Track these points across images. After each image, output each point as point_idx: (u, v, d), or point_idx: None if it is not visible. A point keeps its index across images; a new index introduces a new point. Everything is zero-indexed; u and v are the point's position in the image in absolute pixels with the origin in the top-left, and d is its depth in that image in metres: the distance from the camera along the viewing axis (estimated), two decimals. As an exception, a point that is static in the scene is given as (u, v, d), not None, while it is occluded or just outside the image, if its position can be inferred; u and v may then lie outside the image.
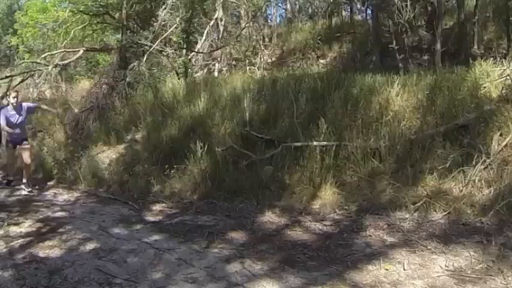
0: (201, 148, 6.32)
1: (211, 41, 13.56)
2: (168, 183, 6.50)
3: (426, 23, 12.99)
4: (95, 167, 7.60)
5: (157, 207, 6.02)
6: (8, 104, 7.57)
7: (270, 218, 5.10)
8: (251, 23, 15.71)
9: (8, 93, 8.66)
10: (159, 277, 3.73)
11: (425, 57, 11.75)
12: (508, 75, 5.54)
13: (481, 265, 3.54)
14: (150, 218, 5.57)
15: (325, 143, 5.69)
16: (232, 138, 6.61)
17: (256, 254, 4.16)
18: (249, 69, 14.08)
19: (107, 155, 8.19)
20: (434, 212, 4.51)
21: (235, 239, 4.58)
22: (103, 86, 10.50)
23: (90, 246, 4.51)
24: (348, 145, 5.51)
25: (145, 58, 9.90)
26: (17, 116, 7.39)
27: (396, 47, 11.28)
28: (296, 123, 6.30)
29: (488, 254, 3.70)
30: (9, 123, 7.29)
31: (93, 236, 4.85)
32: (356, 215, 4.83)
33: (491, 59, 6.59)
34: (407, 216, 4.56)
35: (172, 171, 6.47)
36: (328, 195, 5.24)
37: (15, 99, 7.35)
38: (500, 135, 4.87)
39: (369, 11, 16.46)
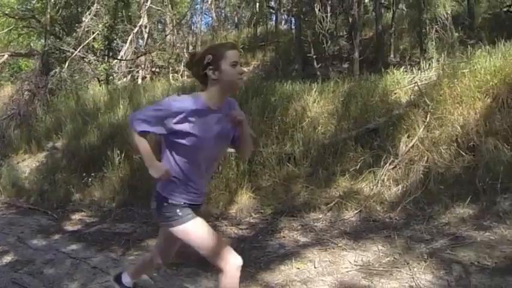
0: (118, 155, 6.41)
1: (135, 48, 13.60)
2: (88, 191, 6.57)
3: (347, 34, 13.78)
4: (15, 177, 7.57)
5: (76, 216, 6.06)
6: None
7: (188, 224, 5.27)
8: (175, 30, 15.91)
9: None
10: (74, 287, 3.76)
11: (345, 66, 12.58)
12: (416, 82, 6.15)
13: (388, 258, 3.88)
14: (69, 228, 5.62)
15: (239, 149, 5.93)
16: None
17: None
18: (173, 76, 14.23)
19: (27, 164, 8.22)
20: (347, 211, 4.87)
21: (151, 245, 4.59)
22: (25, 93, 10.47)
23: (7, 259, 4.48)
24: (262, 151, 5.79)
25: (67, 64, 9.90)
26: None
27: (314, 56, 11.94)
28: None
29: (396, 247, 4.07)
30: None
31: (11, 248, 4.83)
32: (271, 218, 5.08)
33: (405, 67, 7.28)
34: (320, 216, 4.89)
35: (90, 179, 6.56)
36: (244, 200, 5.46)
37: None
38: (408, 137, 5.38)
39: (293, 21, 17.25)
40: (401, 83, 6.40)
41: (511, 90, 5.49)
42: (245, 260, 4.10)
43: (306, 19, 13.03)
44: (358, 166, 5.28)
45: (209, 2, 19.66)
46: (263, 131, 6.25)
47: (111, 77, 11.42)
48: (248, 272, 3.91)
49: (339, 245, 4.24)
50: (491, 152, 4.87)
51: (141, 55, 13.52)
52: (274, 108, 6.62)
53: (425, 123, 5.41)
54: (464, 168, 4.92)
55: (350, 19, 13.42)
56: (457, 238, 4.15)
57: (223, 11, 24.54)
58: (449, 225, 4.40)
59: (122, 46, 12.86)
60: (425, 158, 5.13)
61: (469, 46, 7.55)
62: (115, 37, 12.08)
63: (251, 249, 4.40)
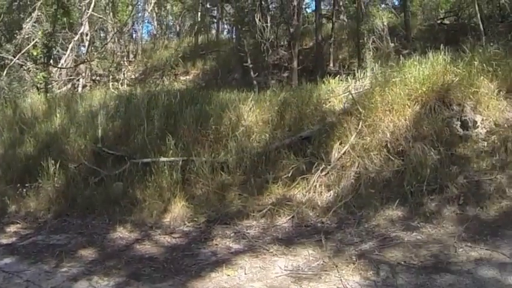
0: (53, 165, 6.35)
1: (77, 55, 13.45)
2: (23, 202, 6.42)
3: (288, 43, 14.21)
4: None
5: (11, 228, 5.93)
6: None
7: (121, 233, 5.29)
8: (116, 38, 15.85)
9: None
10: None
11: (285, 75, 12.98)
12: (349, 90, 6.48)
13: (318, 262, 4.06)
14: (3, 241, 5.49)
15: (173, 158, 6.05)
16: (85, 155, 6.75)
17: (104, 270, 4.31)
18: (113, 85, 14.17)
19: (-36, 175, 7.81)
20: (279, 218, 5.06)
21: (85, 256, 4.70)
22: (-38, 100, 10.04)
23: None
24: (195, 160, 5.91)
25: (5, 72, 9.69)
26: None
27: (251, 66, 12.24)
28: (147, 140, 6.59)
29: (326, 250, 4.28)
30: None
31: None
32: (205, 226, 5.18)
33: (343, 76, 7.63)
34: (254, 223, 5.04)
35: (26, 190, 6.42)
36: (178, 208, 5.54)
37: None
38: (340, 144, 5.67)
39: (234, 30, 17.57)
40: (336, 92, 6.72)
41: (438, 97, 5.92)
42: (176, 268, 4.25)
43: (244, 29, 13.32)
44: (291, 173, 5.50)
45: (149, 10, 19.71)
46: (197, 140, 6.37)
47: (50, 85, 11.24)
48: (179, 280, 4.01)
49: (270, 251, 4.39)
50: (419, 156, 5.23)
51: (81, 63, 13.42)
52: (210, 117, 6.75)
53: (358, 130, 5.71)
54: (393, 172, 5.25)
55: (291, 29, 13.86)
56: (386, 239, 4.41)
57: (164, 19, 24.60)
58: (378, 227, 4.67)
59: (63, 54, 12.74)
60: (357, 163, 5.42)
61: (401, 56, 8.03)
62: (54, 45, 11.91)
63: (183, 257, 4.48)
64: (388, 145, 5.50)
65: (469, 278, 3.69)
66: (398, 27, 14.68)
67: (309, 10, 19.18)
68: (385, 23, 11.05)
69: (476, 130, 5.77)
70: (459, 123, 5.79)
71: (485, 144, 5.65)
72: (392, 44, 11.56)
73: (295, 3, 12.51)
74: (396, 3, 18.93)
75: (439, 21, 15.41)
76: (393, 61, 7.64)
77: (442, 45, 7.11)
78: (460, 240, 4.30)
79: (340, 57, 14.12)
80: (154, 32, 23.69)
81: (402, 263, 3.97)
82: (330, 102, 6.53)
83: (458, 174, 5.19)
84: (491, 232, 4.39)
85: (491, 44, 11.28)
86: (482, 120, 5.90)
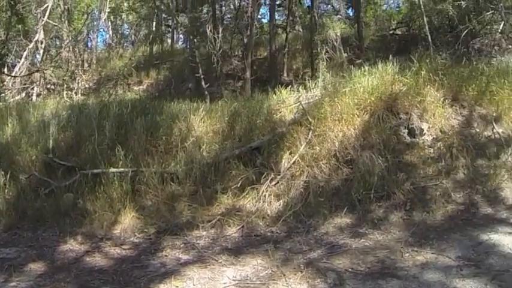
0: (3, 177, 6.22)
1: (31, 63, 13.22)
2: None
3: (242, 53, 14.40)
4: None
5: None
6: None
7: (72, 245, 5.21)
8: (71, 47, 15.70)
9: None
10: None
11: (239, 84, 13.16)
12: (300, 101, 6.67)
13: (266, 271, 4.13)
14: None
15: (122, 169, 6.04)
16: (36, 165, 6.63)
17: (53, 284, 4.25)
18: (67, 94, 14.02)
19: None
20: (229, 228, 5.12)
21: (34, 270, 4.60)
22: None
23: None
24: (144, 171, 5.92)
25: None
26: None
27: (202, 76, 12.38)
28: (98, 150, 6.56)
29: (275, 260, 4.35)
30: None
31: None
32: (155, 237, 5.18)
33: (296, 85, 7.83)
34: (203, 234, 5.08)
35: None
36: (128, 219, 5.51)
37: None
38: (290, 153, 5.81)
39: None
40: (287, 102, 6.88)
41: (386, 106, 6.17)
42: (125, 280, 4.26)
43: (197, 40, 13.47)
44: (240, 183, 5.59)
45: (104, 19, 19.61)
46: (147, 151, 6.39)
47: (3, 94, 10.99)
48: (127, 293, 4.03)
49: (219, 261, 4.44)
50: (367, 164, 5.43)
51: (35, 71, 13.22)
52: (160, 128, 6.77)
53: (307, 140, 5.87)
54: (342, 181, 5.44)
55: (245, 39, 14.07)
56: (334, 247, 4.55)
57: (120, 28, 24.49)
58: (327, 235, 4.81)
59: (18, 62, 12.54)
60: (306, 173, 5.58)
61: (354, 66, 8.29)
62: (8, 52, 11.68)
63: (132, 269, 4.47)
64: (337, 154, 5.69)
65: (415, 283, 3.84)
66: (352, 38, 15.16)
67: (264, 20, 19.58)
68: (339, 34, 11.37)
69: (422, 137, 6.05)
70: (406, 131, 6.05)
71: (432, 151, 5.93)
72: (345, 54, 11.88)
73: (249, 14, 12.73)
74: (351, 14, 19.51)
75: (391, 32, 16.00)
76: (346, 71, 7.89)
77: (391, 56, 7.44)
78: (407, 245, 4.48)
79: (294, 67, 14.44)
80: (110, 41, 23.56)
81: (349, 269, 4.10)
82: (280, 112, 6.67)
83: (405, 180, 5.42)
84: (437, 236, 4.60)
85: (440, 53, 11.87)
86: (429, 127, 6.19)
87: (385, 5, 21.04)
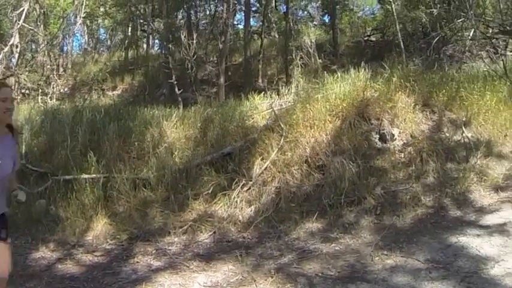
0: None
1: (5, 67, 13.08)
2: None
3: (217, 59, 14.47)
4: None
5: None
6: None
7: (44, 253, 5.19)
8: (46, 51, 15.59)
9: None
10: None
11: (214, 90, 13.24)
12: (272, 107, 6.75)
13: (236, 277, 4.17)
14: None
15: (94, 175, 6.04)
16: None
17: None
18: (41, 99, 13.90)
19: None
20: (201, 234, 5.16)
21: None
22: None
23: None
24: (116, 177, 5.92)
25: None
26: None
27: (175, 82, 12.42)
28: (70, 156, 6.53)
29: (246, 265, 4.41)
30: None
31: None
32: (127, 244, 5.19)
33: (270, 92, 7.93)
34: (175, 240, 5.11)
35: None
36: (100, 226, 5.51)
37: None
38: (262, 159, 5.89)
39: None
40: (260, 108, 6.97)
41: (358, 112, 6.29)
42: (96, 287, 4.26)
43: (170, 46, 13.51)
44: (212, 190, 5.64)
45: (79, 23, 19.49)
46: (120, 157, 6.41)
47: None
48: (98, 299, 4.03)
49: (191, 267, 4.47)
50: (338, 170, 5.52)
51: (10, 75, 13.07)
52: (133, 134, 6.81)
53: (279, 146, 5.95)
54: (313, 186, 5.52)
55: (220, 46, 14.14)
56: (305, 252, 4.60)
57: (96, 33, 24.38)
58: (298, 240, 4.87)
59: None
60: (278, 179, 5.66)
61: (327, 72, 8.39)
62: None
63: (104, 276, 4.48)
64: (309, 160, 5.78)
65: (384, 286, 3.91)
66: (327, 44, 15.37)
67: (241, 26, 19.67)
68: (313, 40, 11.52)
69: (393, 143, 6.17)
70: (377, 136, 6.17)
71: (402, 156, 6.05)
72: (320, 60, 12.03)
73: (223, 20, 12.83)
74: (326, 20, 19.74)
75: (365, 38, 16.25)
76: (320, 77, 8.01)
77: (365, 62, 7.57)
78: (377, 248, 4.55)
79: (269, 73, 14.57)
80: (85, 46, 23.44)
81: (320, 274, 4.15)
82: (253, 118, 6.75)
83: (376, 185, 5.52)
84: (407, 239, 4.68)
85: (414, 59, 12.10)
86: (400, 133, 6.32)
87: (360, 12, 21.35)
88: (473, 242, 4.45)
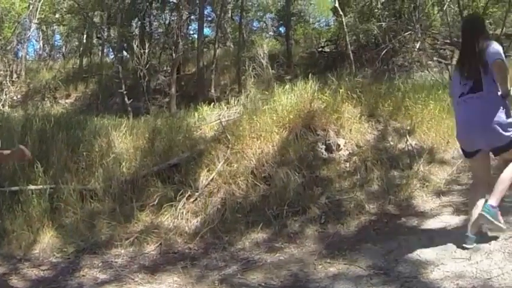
0: None
1: None
2: None
3: (171, 69, 14.52)
4: None
5: None
6: None
7: (-11, 268, 5.12)
8: (0, 56, 15.32)
9: None
10: None
11: (166, 100, 13.29)
12: (220, 118, 6.88)
13: (180, 289, 4.27)
14: None
15: (41, 186, 5.97)
16: None
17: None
18: None
19: None
20: (147, 245, 5.19)
21: None
22: None
23: None
24: (63, 188, 5.89)
25: None
26: None
27: (125, 92, 12.41)
28: (17, 166, 6.45)
29: (190, 277, 4.47)
30: None
31: None
32: (74, 257, 5.16)
33: (220, 102, 8.05)
34: (122, 252, 5.12)
35: None
36: (47, 238, 5.47)
37: None
38: (208, 171, 5.99)
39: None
40: (208, 119, 7.08)
41: (304, 123, 6.46)
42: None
43: (123, 54, 13.49)
44: (157, 201, 5.70)
45: (32, 29, 19.21)
46: (68, 167, 6.37)
47: None
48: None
49: (136, 279, 4.50)
50: (283, 180, 5.67)
51: None
52: (82, 144, 6.79)
53: (226, 158, 6.07)
54: (259, 197, 5.64)
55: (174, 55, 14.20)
56: (249, 262, 4.69)
57: (51, 39, 24.08)
58: (243, 250, 4.96)
59: None
60: (224, 189, 5.76)
61: (277, 83, 8.59)
62: None
63: (49, 290, 4.46)
64: (255, 171, 5.90)
65: (326, 294, 4.00)
66: (281, 55, 15.64)
67: (196, 36, 19.75)
68: (266, 51, 11.72)
69: (339, 153, 6.36)
70: (324, 147, 6.35)
71: (347, 165, 6.24)
72: (273, 71, 12.23)
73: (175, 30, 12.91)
74: (282, 31, 20.06)
75: (319, 49, 16.62)
76: (271, 88, 8.17)
77: (311, 74, 7.78)
78: (320, 257, 4.67)
79: (222, 83, 14.72)
80: (40, 52, 23.14)
81: (263, 284, 4.24)
82: (201, 129, 6.85)
83: (321, 195, 5.68)
84: (350, 247, 4.80)
85: (365, 70, 12.48)
86: (345, 143, 6.52)
87: (316, 23, 21.82)
88: (415, 247, 4.56)
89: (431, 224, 5.13)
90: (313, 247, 4.96)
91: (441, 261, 4.20)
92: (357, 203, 5.64)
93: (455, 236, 4.58)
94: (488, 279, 3.72)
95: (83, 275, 4.76)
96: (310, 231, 5.25)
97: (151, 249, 5.17)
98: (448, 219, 5.13)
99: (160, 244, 5.21)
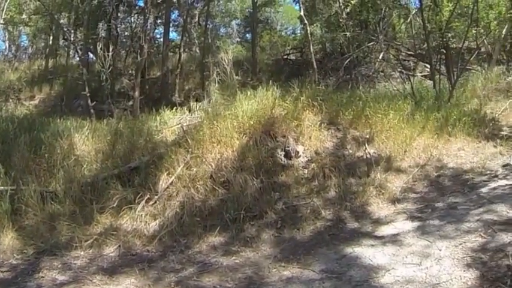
0: None
1: None
2: None
3: (135, 72, 14.56)
4: None
5: None
6: None
7: None
8: None
9: None
10: None
11: (130, 103, 13.34)
12: (181, 123, 7.02)
13: (138, 291, 4.36)
14: None
15: (2, 187, 5.97)
16: None
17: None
18: None
19: None
20: (107, 247, 5.28)
21: None
22: None
23: None
24: (24, 189, 5.90)
25: None
26: None
27: (88, 94, 12.43)
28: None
29: (148, 279, 4.59)
30: None
31: None
32: (34, 258, 5.19)
33: (182, 107, 8.18)
34: (81, 254, 5.19)
35: None
36: (7, 240, 5.46)
37: None
38: (168, 174, 6.10)
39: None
40: (169, 123, 7.21)
41: (264, 130, 6.64)
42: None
43: (88, 57, 13.52)
44: (117, 203, 5.78)
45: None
46: (30, 168, 6.39)
47: None
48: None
49: (94, 281, 4.59)
50: (241, 185, 5.85)
51: None
52: (43, 145, 6.78)
53: (185, 162, 6.19)
54: (217, 201, 5.79)
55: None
56: (206, 265, 4.84)
57: (17, 40, 23.81)
58: (200, 253, 5.10)
59: None
60: (183, 193, 5.89)
61: (239, 89, 8.75)
62: None
63: (7, 292, 4.47)
64: (214, 175, 6.05)
65: (279, 297, 4.15)
66: (246, 61, 15.87)
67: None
68: (231, 57, 11.87)
69: (298, 159, 6.56)
70: (283, 153, 6.53)
71: (306, 172, 6.45)
72: (238, 77, 12.39)
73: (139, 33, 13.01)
74: (249, 37, 20.31)
75: (285, 57, 16.94)
76: (234, 94, 8.33)
77: (271, 81, 7.99)
78: (275, 261, 4.84)
79: (186, 88, 14.87)
80: (6, 53, 22.85)
81: (218, 286, 4.39)
82: (162, 133, 6.97)
83: (278, 200, 5.88)
84: (305, 251, 5.00)
85: (330, 78, 12.81)
86: (304, 150, 6.73)
87: (283, 31, 22.19)
88: (367, 252, 4.77)
89: (385, 230, 5.34)
90: (269, 251, 5.13)
91: (392, 266, 4.39)
92: (313, 208, 5.84)
93: (408, 242, 4.84)
94: (437, 284, 3.92)
95: (42, 277, 4.82)
96: (267, 235, 5.43)
97: (110, 251, 5.25)
98: (402, 226, 5.35)
99: (119, 246, 5.30)
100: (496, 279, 3.83)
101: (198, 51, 18.55)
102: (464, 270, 4.06)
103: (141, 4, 16.69)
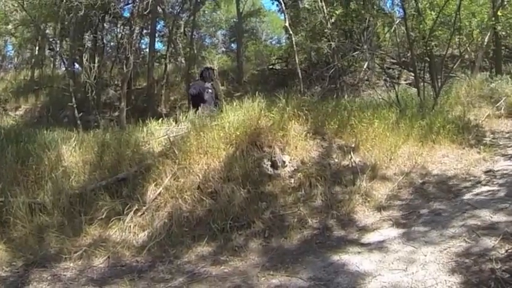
0: None
1: None
2: None
3: (121, 83, 14.66)
4: None
5: None
6: None
7: None
8: None
9: None
10: None
11: (116, 114, 13.44)
12: (168, 134, 7.13)
13: (128, 301, 4.49)
14: None
15: (-11, 200, 6.01)
16: None
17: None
18: None
19: None
20: (96, 259, 5.34)
21: None
22: None
23: None
24: (12, 201, 5.95)
25: None
26: None
27: (75, 105, 12.50)
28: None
29: (137, 289, 4.66)
30: None
31: None
32: (23, 270, 5.21)
33: (168, 118, 8.29)
34: (71, 265, 5.24)
35: None
36: (-6, 253, 5.53)
37: None
38: (155, 185, 6.20)
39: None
40: (157, 134, 7.32)
41: (251, 140, 6.77)
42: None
43: (74, 67, 13.60)
44: (105, 215, 5.86)
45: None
46: (17, 180, 6.44)
47: None
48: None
49: (79, 293, 4.68)
50: (229, 196, 5.98)
51: None
52: (30, 157, 6.83)
53: (173, 173, 6.30)
54: (205, 211, 5.90)
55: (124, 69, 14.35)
56: (195, 275, 4.92)
57: (2, 50, 23.80)
58: (189, 263, 5.19)
59: None
60: (171, 204, 5.99)
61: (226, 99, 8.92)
62: None
63: (-3, 305, 4.56)
64: (201, 186, 6.17)
65: (267, 304, 4.27)
66: (232, 71, 16.06)
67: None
68: (216, 67, 12.04)
69: (284, 169, 6.70)
70: (269, 163, 6.66)
71: (292, 181, 6.58)
72: (223, 88, 12.55)
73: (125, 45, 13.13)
74: (233, 47, 20.51)
75: (270, 67, 17.14)
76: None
77: (257, 92, 8.13)
78: (264, 269, 4.94)
79: (172, 99, 14.98)
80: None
81: (209, 296, 4.51)
82: (149, 144, 7.06)
83: (265, 209, 6.00)
84: (293, 259, 5.11)
85: (316, 87, 13.01)
86: (291, 159, 6.87)
87: (268, 41, 22.42)
88: (354, 259, 4.88)
89: (371, 237, 5.48)
90: (257, 260, 5.23)
91: (379, 272, 4.51)
92: (300, 217, 5.97)
93: (393, 248, 4.98)
94: (423, 289, 4.00)
95: (31, 289, 4.86)
96: (254, 244, 5.54)
97: (99, 263, 5.32)
98: (387, 233, 5.49)
99: (109, 257, 5.37)
100: (480, 283, 3.96)
101: (183, 61, 18.66)
102: (449, 275, 4.19)
103: (127, 15, 16.84)
